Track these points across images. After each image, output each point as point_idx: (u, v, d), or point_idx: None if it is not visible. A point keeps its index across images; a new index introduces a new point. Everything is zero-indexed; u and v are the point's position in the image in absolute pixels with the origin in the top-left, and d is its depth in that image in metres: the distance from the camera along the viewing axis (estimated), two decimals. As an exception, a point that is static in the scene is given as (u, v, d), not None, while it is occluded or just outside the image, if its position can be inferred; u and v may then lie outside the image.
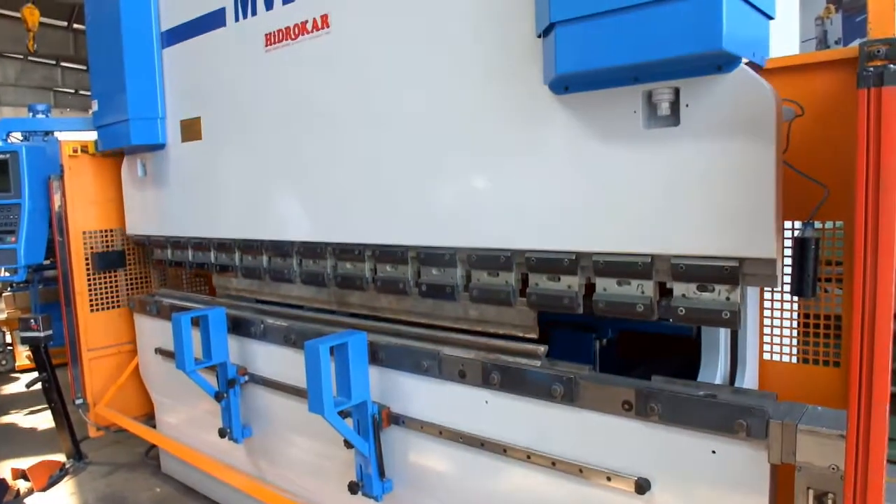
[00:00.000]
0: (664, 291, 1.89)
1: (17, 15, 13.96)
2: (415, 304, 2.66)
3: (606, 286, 1.96)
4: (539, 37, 1.89)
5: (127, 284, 4.35)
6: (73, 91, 20.87)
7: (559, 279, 2.07)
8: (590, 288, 2.03)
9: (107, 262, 4.20)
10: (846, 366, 1.94)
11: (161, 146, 3.67)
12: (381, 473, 2.62)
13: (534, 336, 2.29)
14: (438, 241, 2.38)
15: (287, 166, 2.96)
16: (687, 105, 1.72)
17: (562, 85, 1.89)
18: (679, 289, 1.82)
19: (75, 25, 15.76)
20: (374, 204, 2.59)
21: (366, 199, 2.61)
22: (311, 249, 2.89)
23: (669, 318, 1.84)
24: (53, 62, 18.84)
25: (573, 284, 2.04)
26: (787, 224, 2.00)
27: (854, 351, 1.26)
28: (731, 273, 1.71)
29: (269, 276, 3.15)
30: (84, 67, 19.08)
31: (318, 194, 2.84)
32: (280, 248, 3.04)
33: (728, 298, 1.75)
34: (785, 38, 2.53)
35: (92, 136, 4.10)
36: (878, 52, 1.23)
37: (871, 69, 1.21)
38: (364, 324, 2.83)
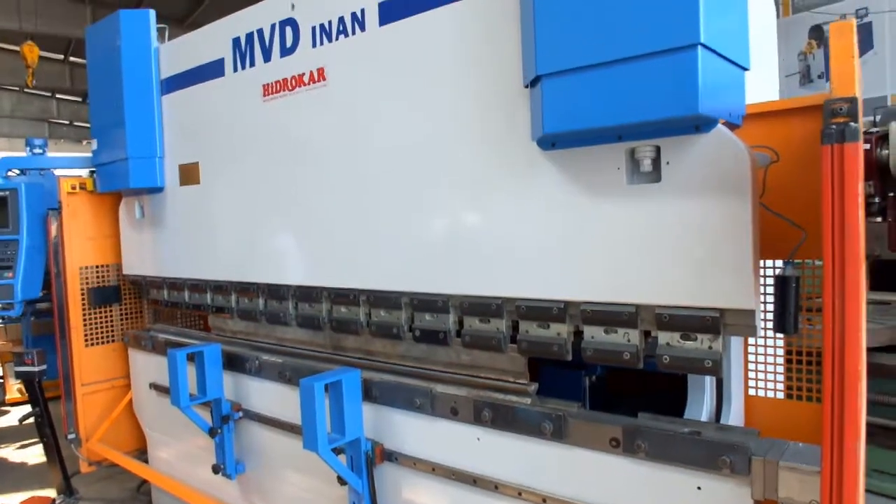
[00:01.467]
0: (649, 338, 1.95)
1: (13, 48, 14.18)
2: (409, 348, 2.71)
3: (594, 334, 2.02)
4: (526, 87, 1.98)
5: (121, 319, 4.39)
6: (68, 122, 21.06)
7: (549, 326, 2.13)
8: (578, 335, 2.09)
9: (102, 297, 4.25)
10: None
11: (159, 189, 3.73)
12: None
13: (524, 381, 2.33)
14: (431, 288, 2.44)
15: (283, 212, 3.03)
16: (668, 162, 1.80)
17: (549, 142, 1.97)
18: (664, 338, 1.88)
19: (71, 58, 15.97)
20: (367, 250, 2.65)
21: (359, 245, 2.68)
22: (307, 293, 2.94)
23: (655, 366, 1.90)
24: (49, 94, 19.04)
25: (562, 332, 2.10)
26: (770, 262, 2.07)
27: (826, 387, 1.33)
28: (713, 323, 1.77)
29: (265, 319, 3.19)
30: (80, 99, 19.30)
31: (313, 240, 2.90)
32: (276, 292, 3.09)
33: (710, 347, 1.81)
34: (765, 78, 2.66)
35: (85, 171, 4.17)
36: (840, 109, 1.32)
37: (834, 126, 1.30)
38: (358, 361, 2.87)
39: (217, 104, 3.32)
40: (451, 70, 2.30)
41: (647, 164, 1.81)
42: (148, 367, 4.01)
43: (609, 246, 1.94)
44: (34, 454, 5.30)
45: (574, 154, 1.97)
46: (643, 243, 1.87)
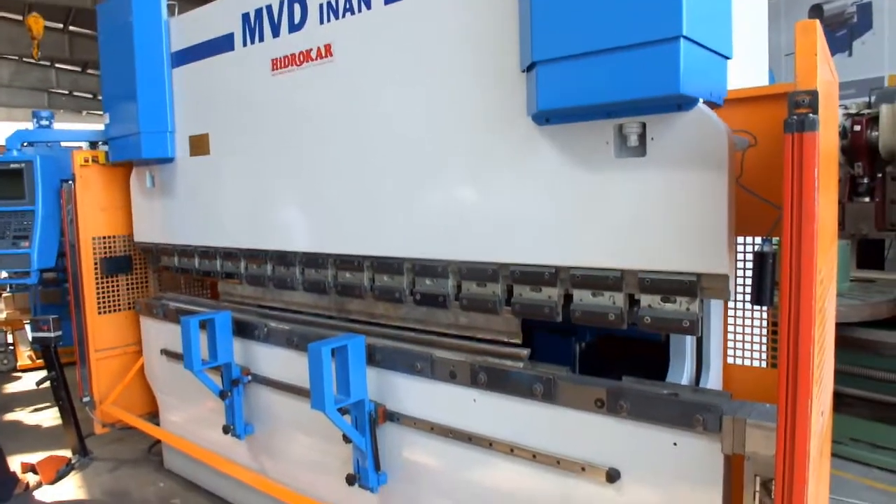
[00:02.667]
0: (633, 302, 2.11)
1: (13, 16, 14.14)
2: (409, 311, 2.85)
3: (582, 297, 2.18)
4: (523, 72, 2.12)
5: (132, 288, 4.55)
6: (67, 92, 20.99)
7: (541, 290, 2.27)
8: (568, 298, 2.24)
9: (114, 266, 4.40)
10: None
11: (170, 160, 3.86)
12: (377, 466, 2.81)
13: (517, 341, 2.49)
14: (432, 254, 2.58)
15: (290, 181, 3.16)
16: (652, 138, 1.95)
17: (543, 118, 2.12)
18: (645, 300, 2.04)
19: (71, 28, 15.91)
20: (371, 218, 2.79)
21: (364, 213, 2.81)
22: (313, 259, 3.07)
23: (637, 325, 2.06)
24: (48, 63, 18.97)
25: (553, 295, 2.25)
26: (749, 239, 2.18)
27: (781, 350, 1.50)
28: (690, 286, 1.94)
29: (273, 284, 3.33)
30: (78, 69, 19.24)
31: (319, 208, 3.04)
32: (283, 258, 3.23)
33: (688, 309, 1.97)
34: (753, 64, 2.77)
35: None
36: (803, 101, 1.46)
37: (795, 116, 1.45)
38: (362, 328, 3.02)
39: (227, 77, 3.43)
40: (453, 49, 2.42)
41: (633, 140, 1.95)
42: (159, 334, 4.17)
43: (597, 215, 2.09)
44: (48, 417, 5.50)
45: (567, 129, 2.11)
46: (628, 213, 2.02)
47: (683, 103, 1.86)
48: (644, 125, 1.96)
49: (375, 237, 2.79)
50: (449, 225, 2.51)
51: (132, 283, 4.56)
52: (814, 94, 1.46)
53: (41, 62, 18.39)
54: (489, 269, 2.40)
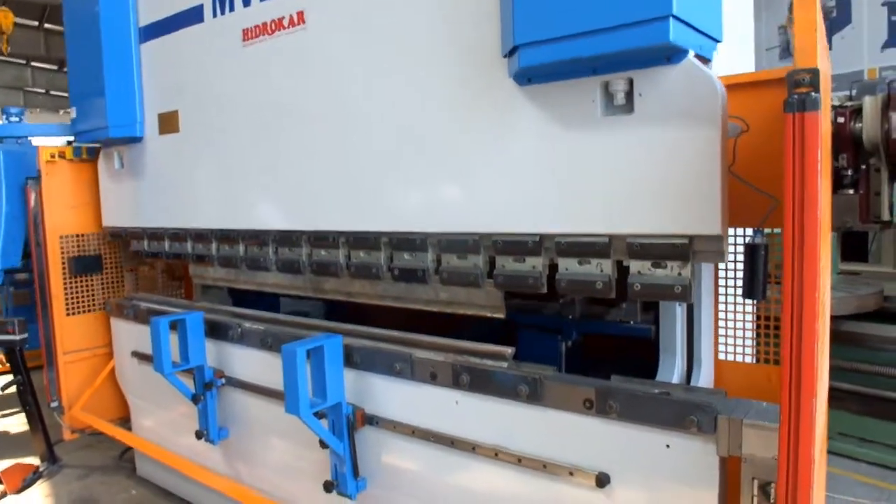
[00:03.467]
0: (622, 270, 2.03)
1: (-12, 14, 13.79)
2: (387, 288, 2.77)
3: (568, 266, 2.09)
4: (505, 56, 2.01)
5: (103, 288, 4.38)
6: (43, 91, 20.62)
7: (524, 261, 2.19)
8: (553, 268, 2.15)
9: (83, 266, 4.23)
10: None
11: (138, 139, 3.72)
12: (356, 472, 2.70)
13: (501, 315, 2.41)
14: (409, 227, 2.48)
15: (263, 157, 3.05)
16: (640, 94, 1.86)
17: (525, 77, 2.02)
18: (635, 266, 1.96)
19: (47, 25, 15.60)
20: (346, 192, 2.69)
21: (339, 187, 2.71)
22: (287, 238, 2.97)
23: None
24: (24, 62, 18.61)
25: (537, 265, 2.16)
26: (740, 231, 2.15)
27: (784, 347, 1.39)
28: (682, 250, 1.85)
29: (246, 265, 3.23)
30: (55, 67, 18.89)
31: (292, 184, 2.93)
32: (256, 238, 3.13)
33: (680, 274, 1.89)
34: (740, 51, 2.69)
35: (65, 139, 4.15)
36: (803, 80, 1.37)
37: (796, 96, 1.35)
38: (340, 327, 2.91)
39: (197, 51, 3.31)
40: (430, 11, 2.32)
41: (620, 97, 1.87)
42: (130, 335, 4.02)
43: (583, 178, 2.00)
44: (16, 423, 5.31)
45: (549, 89, 2.02)
46: (616, 174, 1.94)
47: (672, 55, 1.77)
48: (631, 81, 1.87)
49: (351, 212, 2.69)
50: (427, 195, 2.43)
51: (105, 284, 4.40)
52: (814, 73, 1.37)
53: (16, 60, 18.03)
54: (470, 240, 2.31)
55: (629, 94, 1.87)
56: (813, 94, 1.34)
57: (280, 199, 3.02)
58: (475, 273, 2.33)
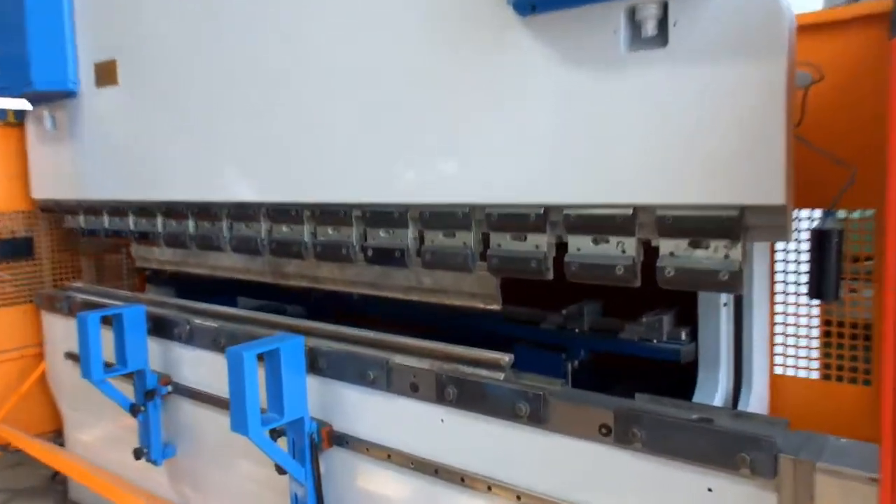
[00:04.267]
0: (649, 252, 1.85)
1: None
2: (360, 272, 2.73)
3: (581, 245, 1.93)
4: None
5: (51, 276, 4.25)
6: None
7: (525, 238, 2.06)
8: (561, 248, 2.01)
9: (10, 249, 4.09)
10: (877, 385, 1.91)
11: (71, 93, 3.62)
12: (320, 503, 2.55)
13: (496, 307, 2.35)
14: (387, 198, 2.38)
15: (212, 116, 2.96)
16: (675, 23, 1.66)
17: (528, 4, 1.85)
18: (667, 246, 1.77)
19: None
20: (312, 157, 2.59)
21: (303, 152, 2.62)
22: (243, 211, 2.91)
23: (656, 281, 1.81)
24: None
25: (541, 244, 2.02)
26: (805, 213, 2.05)
27: (886, 368, 1.12)
28: (731, 225, 1.65)
29: (196, 244, 3.17)
30: None
31: (248, 149, 2.84)
32: (207, 211, 3.06)
33: (727, 256, 1.69)
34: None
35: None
36: (918, -9, 1.11)
37: (908, 12, 1.10)
38: (302, 325, 2.82)
39: None
40: None
41: (650, 26, 1.68)
42: (64, 333, 3.89)
43: (601, 133, 1.83)
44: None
45: (559, 18, 1.85)
46: (643, 127, 1.75)
47: None
48: (665, 5, 1.66)
49: (316, 180, 2.59)
50: (407, 159, 2.30)
51: (49, 270, 4.25)
52: (934, -17, 1.11)
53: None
54: (459, 213, 2.17)
55: (662, 23, 1.67)
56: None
57: (234, 165, 2.92)
58: (465, 253, 2.20)
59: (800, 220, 2.03)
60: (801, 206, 1.93)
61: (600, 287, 2.51)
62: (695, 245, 1.72)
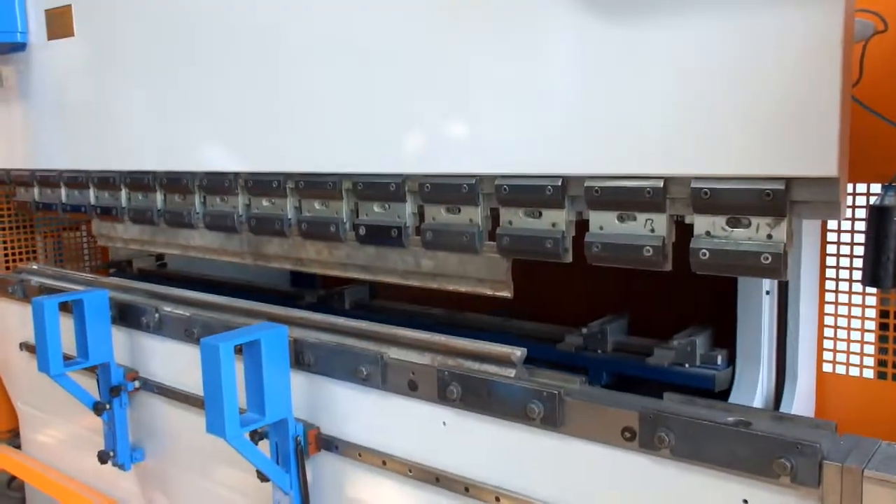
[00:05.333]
0: (682, 231, 1.85)
1: None
2: (351, 253, 2.73)
3: (604, 223, 1.92)
4: None
5: (3, 258, 4.29)
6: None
7: (540, 215, 2.04)
8: (581, 226, 2.00)
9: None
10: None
11: (20, 45, 3.62)
12: None
13: (507, 294, 2.33)
14: (381, 168, 2.36)
15: (187, 76, 2.94)
16: None
17: None
18: (702, 224, 1.76)
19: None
20: (297, 122, 2.57)
21: (286, 115, 2.60)
22: (218, 183, 2.90)
23: (689, 266, 1.81)
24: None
25: (559, 222, 2.01)
26: (862, 188, 2.06)
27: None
28: (775, 200, 1.63)
29: (165, 221, 3.19)
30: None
31: (225, 112, 2.82)
32: (178, 183, 3.06)
33: (770, 236, 1.68)
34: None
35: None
36: None
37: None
38: (287, 314, 2.85)
39: None
40: None
41: None
42: (19, 321, 3.95)
43: (628, 93, 1.80)
44: None
45: None
46: (676, 87, 1.72)
47: None
48: None
49: (301, 148, 2.58)
50: (404, 123, 2.28)
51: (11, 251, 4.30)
52: None
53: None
54: (464, 185, 2.16)
55: None
56: None
57: (209, 131, 2.92)
58: (471, 232, 2.19)
59: (856, 197, 2.03)
60: (856, 180, 1.95)
61: (626, 300, 2.49)
62: (734, 223, 1.71)
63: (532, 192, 2.02)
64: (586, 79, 1.86)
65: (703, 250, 1.74)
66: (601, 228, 1.92)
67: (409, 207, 2.35)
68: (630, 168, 1.83)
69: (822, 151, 1.55)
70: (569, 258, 2.02)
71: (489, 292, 2.36)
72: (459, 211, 2.22)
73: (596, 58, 1.84)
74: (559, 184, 1.96)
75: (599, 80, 1.84)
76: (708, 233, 1.75)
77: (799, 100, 1.57)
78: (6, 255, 4.27)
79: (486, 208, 2.19)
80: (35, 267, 4.22)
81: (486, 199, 2.16)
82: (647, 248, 1.83)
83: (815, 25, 1.53)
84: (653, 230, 1.84)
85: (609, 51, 1.81)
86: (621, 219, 1.88)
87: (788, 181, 1.62)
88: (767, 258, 1.66)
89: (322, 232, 2.61)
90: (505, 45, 2.00)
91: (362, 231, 2.48)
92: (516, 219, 2.10)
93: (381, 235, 2.43)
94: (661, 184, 1.78)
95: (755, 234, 1.69)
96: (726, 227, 1.72)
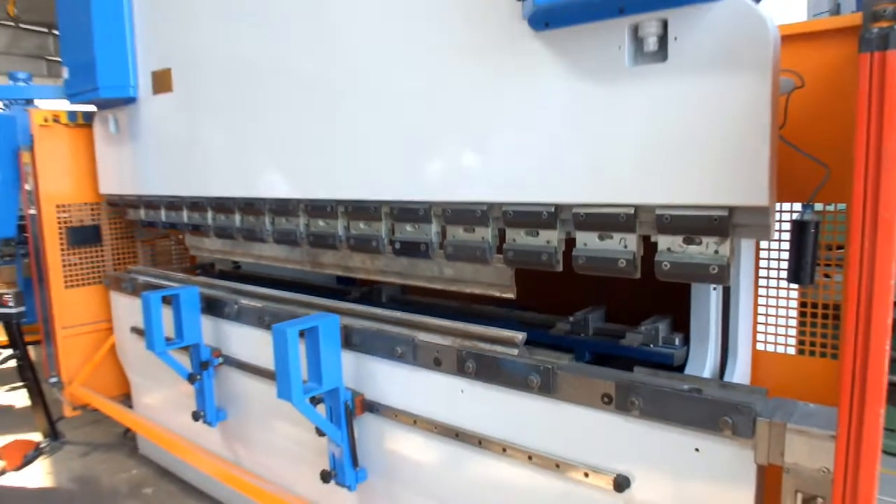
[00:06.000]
0: (649, 247, 1.82)
1: (4, -20, 13.74)
2: (389, 262, 2.65)
3: (587, 241, 1.90)
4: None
5: (104, 260, 4.27)
6: (65, 61, 20.65)
7: (537, 234, 2.02)
8: (570, 243, 1.98)
9: (81, 236, 4.11)
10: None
11: (132, 100, 3.59)
12: (355, 462, 2.58)
13: (511, 296, 2.26)
14: (412, 196, 2.33)
15: (259, 121, 2.90)
16: (675, 38, 1.62)
17: (542, 20, 1.80)
18: (664, 242, 1.75)
19: (67, -7, 15.50)
20: (346, 158, 2.53)
21: (338, 153, 2.56)
22: (284, 207, 2.85)
23: (655, 273, 1.78)
24: (45, 30, 18.59)
25: (552, 239, 1.99)
26: (786, 206, 1.96)
27: (847, 343, 1.16)
28: (721, 224, 1.63)
29: (242, 236, 3.13)
30: (78, 37, 18.85)
31: (288, 150, 2.79)
32: (252, 207, 3.01)
33: (717, 252, 1.67)
34: (792, 10, 2.45)
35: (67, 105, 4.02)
36: (884, 12, 1.10)
37: (875, 31, 1.09)
38: (338, 306, 2.79)
39: (188, 5, 3.15)
40: None
41: (651, 42, 1.63)
42: (130, 310, 3.91)
43: (606, 139, 1.78)
44: (22, 397, 5.23)
45: (569, 34, 1.80)
46: (644, 134, 1.71)
47: None
48: (665, 23, 1.63)
49: (349, 179, 2.53)
50: (431, 160, 2.24)
51: (110, 255, 4.27)
52: (900, 2, 1.10)
53: (38, 28, 18.06)
54: (477, 209, 2.14)
55: (662, 39, 1.63)
56: (897, 27, 1.08)
57: (276, 165, 2.86)
58: (483, 247, 2.17)
59: (782, 213, 1.95)
60: (783, 200, 1.88)
61: (605, 295, 2.45)
62: (689, 241, 1.70)
63: (531, 217, 2.01)
64: (573, 129, 1.85)
65: (665, 262, 1.73)
66: (585, 245, 1.91)
67: (434, 227, 2.32)
68: (608, 198, 1.82)
69: (756, 186, 1.55)
70: (560, 268, 2.01)
71: (497, 293, 2.31)
72: (474, 230, 2.20)
73: (580, 113, 1.83)
74: (552, 210, 1.95)
75: (583, 130, 1.82)
76: (669, 249, 1.74)
77: (738, 146, 1.56)
78: (114, 258, 4.27)
79: (495, 228, 2.16)
80: (140, 268, 4.20)
81: (494, 221, 2.14)
82: (622, 260, 1.82)
83: (751, 91, 1.53)
84: (626, 246, 1.83)
85: (592, 107, 1.79)
86: (601, 237, 1.87)
87: (731, 209, 1.61)
88: (715, 269, 1.66)
89: (366, 246, 2.56)
90: (509, 101, 1.97)
91: (397, 246, 2.44)
92: (518, 237, 2.08)
93: (412, 249, 2.40)
94: (632, 211, 1.78)
95: (705, 250, 1.68)
96: (683, 245, 1.71)
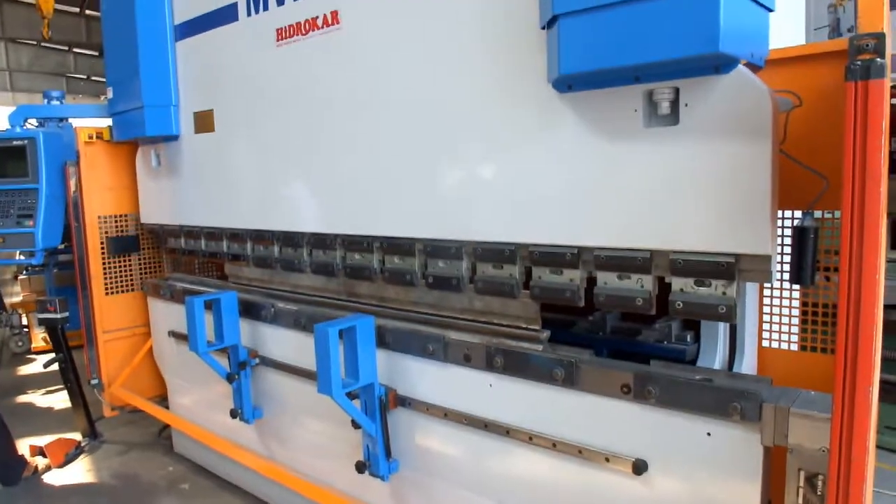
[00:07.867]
0: (663, 286, 1.94)
1: (31, 1, 14.06)
2: (422, 295, 2.72)
3: (607, 280, 2.01)
4: (543, 28, 1.94)
5: (140, 269, 4.45)
6: (85, 77, 20.95)
7: (562, 272, 2.12)
8: (591, 281, 2.08)
9: (121, 246, 4.29)
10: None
11: (175, 137, 3.73)
12: (388, 453, 2.69)
13: (536, 327, 2.34)
14: (445, 234, 2.43)
15: (297, 159, 3.02)
16: (686, 104, 1.76)
17: (565, 84, 1.93)
18: (677, 283, 1.87)
19: (87, 11, 15.83)
20: (382, 197, 2.64)
21: (374, 191, 2.67)
22: (321, 240, 2.94)
23: (669, 312, 1.89)
24: (66, 48, 18.93)
25: (575, 278, 2.09)
26: (788, 213, 2.07)
27: (840, 336, 1.31)
28: (728, 269, 1.76)
29: (280, 266, 3.22)
30: (96, 53, 19.16)
31: (327, 186, 2.89)
32: (291, 239, 3.10)
33: (724, 293, 1.79)
34: (792, 24, 2.57)
35: (104, 122, 4.20)
36: (867, 45, 1.27)
37: (859, 63, 1.26)
38: (372, 308, 2.89)
39: (231, 49, 3.29)
40: (465, 13, 2.25)
41: (664, 107, 1.77)
42: (167, 315, 4.07)
43: (624, 191, 1.91)
44: (60, 400, 5.42)
45: (590, 97, 1.93)
46: (659, 188, 1.84)
47: (722, 64, 1.66)
48: (677, 90, 1.77)
49: (386, 216, 2.64)
50: (462, 203, 2.36)
51: (143, 264, 4.46)
52: (880, 38, 1.28)
53: (59, 47, 18.39)
54: (506, 249, 2.25)
55: (674, 104, 1.77)
56: (878, 60, 1.24)
57: (314, 200, 2.99)
58: (510, 283, 2.27)
59: (784, 219, 2.06)
60: (784, 207, 1.97)
61: None
62: (699, 284, 1.82)
63: (556, 257, 2.12)
64: (595, 181, 1.97)
65: (679, 302, 1.86)
66: (605, 283, 2.02)
67: (465, 264, 2.41)
68: (627, 243, 1.94)
69: (759, 237, 1.69)
70: (581, 304, 2.11)
71: (524, 325, 2.36)
72: (502, 268, 2.29)
73: (601, 167, 1.96)
74: (575, 252, 2.06)
75: (604, 182, 1.95)
76: (681, 289, 1.86)
77: (743, 201, 1.70)
78: (142, 267, 4.42)
79: (522, 266, 2.25)
80: (177, 275, 4.32)
81: (521, 260, 2.24)
82: (639, 299, 1.94)
83: (753, 153, 1.67)
84: (642, 286, 1.95)
85: (611, 162, 1.93)
86: (620, 277, 1.99)
87: (737, 256, 1.74)
88: (723, 308, 1.79)
89: (400, 279, 2.64)
90: (537, 154, 2.10)
91: (430, 280, 2.52)
92: (544, 275, 2.17)
93: (444, 284, 2.48)
94: (648, 255, 1.90)
95: (714, 291, 1.80)
96: (694, 286, 1.83)
